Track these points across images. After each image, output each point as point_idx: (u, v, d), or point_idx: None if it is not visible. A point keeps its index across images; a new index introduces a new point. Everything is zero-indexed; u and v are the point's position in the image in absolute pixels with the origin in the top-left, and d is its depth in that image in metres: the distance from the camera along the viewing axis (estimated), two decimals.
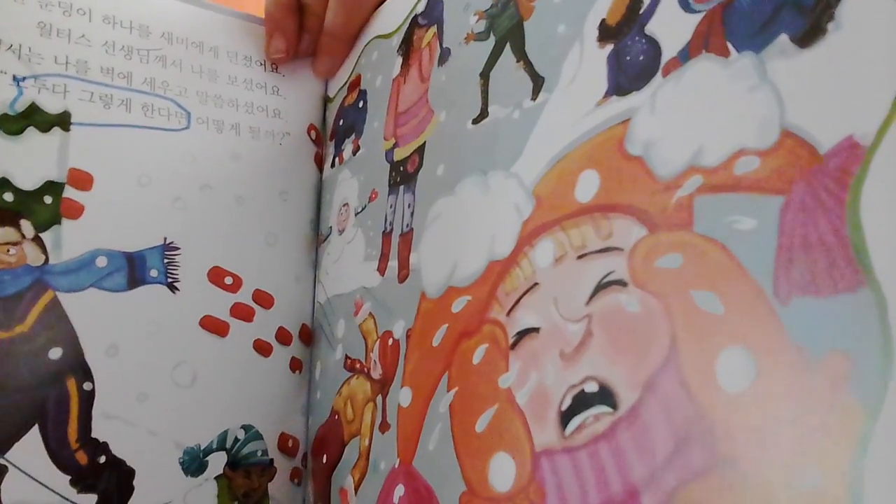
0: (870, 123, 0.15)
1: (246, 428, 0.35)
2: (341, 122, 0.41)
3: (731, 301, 0.17)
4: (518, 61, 0.26)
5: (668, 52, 0.20)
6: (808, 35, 0.17)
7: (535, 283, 0.23)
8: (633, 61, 0.21)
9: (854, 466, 0.14)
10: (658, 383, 0.18)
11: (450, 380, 0.26)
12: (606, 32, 0.23)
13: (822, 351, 0.15)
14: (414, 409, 0.27)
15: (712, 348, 0.17)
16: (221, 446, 0.34)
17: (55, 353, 0.31)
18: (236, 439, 0.35)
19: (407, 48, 0.35)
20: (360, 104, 0.38)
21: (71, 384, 0.31)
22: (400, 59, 0.35)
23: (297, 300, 0.39)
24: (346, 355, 0.34)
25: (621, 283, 0.20)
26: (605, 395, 0.19)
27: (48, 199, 0.32)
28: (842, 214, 0.15)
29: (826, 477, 0.14)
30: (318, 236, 0.41)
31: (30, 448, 0.30)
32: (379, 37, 0.38)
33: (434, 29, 0.33)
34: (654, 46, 0.21)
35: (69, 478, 0.30)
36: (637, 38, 0.21)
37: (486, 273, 0.25)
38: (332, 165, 0.41)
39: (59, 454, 0.30)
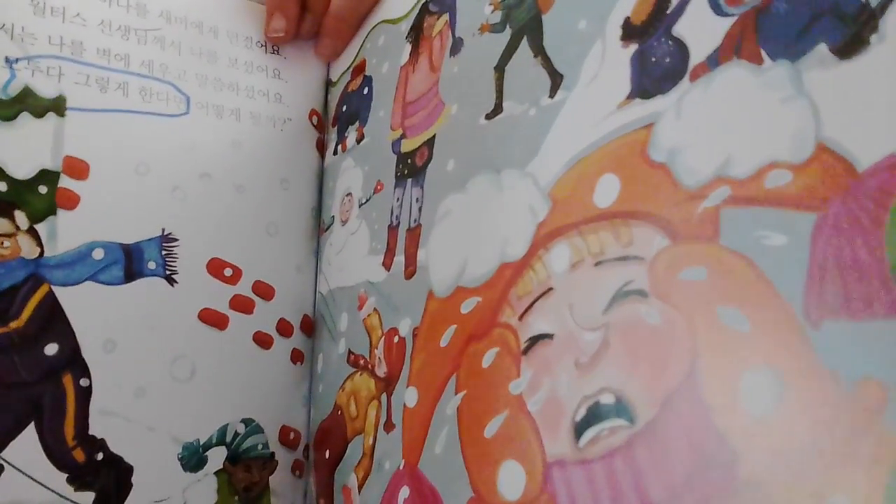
0: None
1: (246, 422, 0.35)
2: (344, 108, 0.40)
3: (758, 319, 0.16)
4: (535, 56, 0.25)
5: (697, 55, 0.19)
6: (849, 46, 0.16)
7: (550, 288, 0.22)
8: (658, 63, 0.20)
9: (888, 499, 0.13)
10: (678, 400, 0.17)
11: (458, 382, 0.25)
12: (631, 31, 0.22)
13: (854, 377, 0.14)
14: (420, 410, 0.27)
15: (736, 367, 0.16)
16: (221, 441, 0.34)
17: (51, 349, 0.30)
18: (236, 433, 0.34)
19: (416, 35, 0.34)
20: (365, 90, 0.37)
21: (67, 380, 0.30)
22: (409, 47, 0.34)
23: (299, 291, 0.38)
24: (349, 350, 0.33)
25: (641, 294, 0.19)
26: (622, 409, 0.19)
27: (43, 189, 0.31)
28: (880, 236, 0.14)
29: None
30: (319, 225, 0.40)
31: (26, 446, 0.29)
32: (386, 21, 0.37)
33: (446, 17, 0.32)
34: (681, 49, 0.20)
35: (66, 475, 0.30)
36: (663, 39, 0.20)
37: (498, 275, 0.24)
38: (335, 153, 0.40)
39: (55, 452, 0.30)
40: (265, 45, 0.40)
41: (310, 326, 0.38)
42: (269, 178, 0.38)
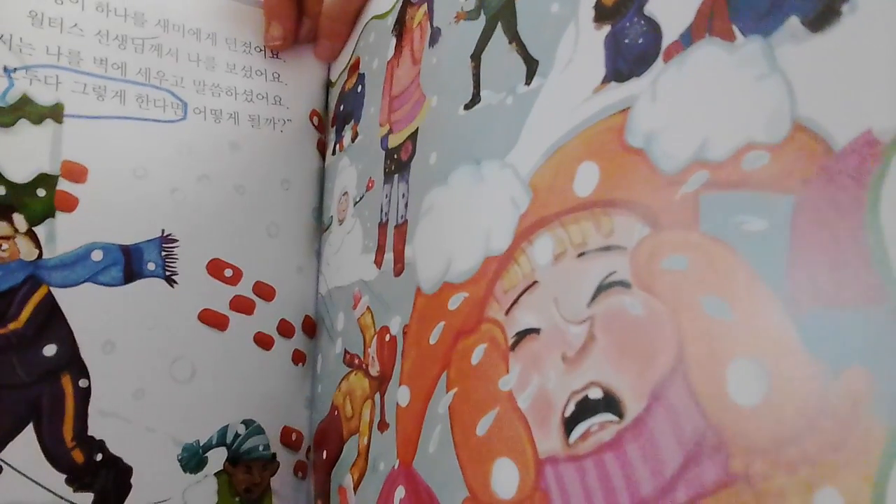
0: (890, 118, 0.13)
1: (247, 423, 0.35)
2: (342, 108, 0.40)
3: (741, 308, 0.16)
4: (510, 42, 0.25)
5: (670, 35, 0.19)
6: (821, 18, 0.15)
7: (535, 282, 0.22)
8: (631, 44, 0.20)
9: (875, 489, 0.13)
10: (665, 392, 0.17)
11: (448, 380, 0.25)
12: (603, 12, 0.21)
13: (840, 366, 0.14)
14: (413, 409, 0.26)
15: (722, 358, 0.16)
16: (221, 442, 0.34)
17: (50, 350, 0.31)
18: (237, 434, 0.34)
19: (400, 28, 0.34)
20: (359, 88, 0.37)
21: (66, 381, 0.31)
22: (393, 41, 0.34)
23: (300, 291, 0.38)
24: (346, 350, 0.33)
25: (624, 285, 0.18)
26: (610, 403, 0.18)
27: (41, 192, 0.32)
28: (860, 218, 0.14)
29: (846, 498, 0.13)
30: (320, 225, 0.40)
31: (24, 447, 0.29)
32: (375, 17, 0.37)
33: (425, 7, 0.31)
34: (654, 29, 0.19)
35: (65, 476, 0.30)
36: (636, 19, 0.20)
37: (483, 269, 0.24)
38: (334, 152, 0.40)
39: (54, 453, 0.30)
40: (264, 50, 0.40)
41: (312, 327, 0.38)
42: (269, 179, 0.38)
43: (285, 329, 0.37)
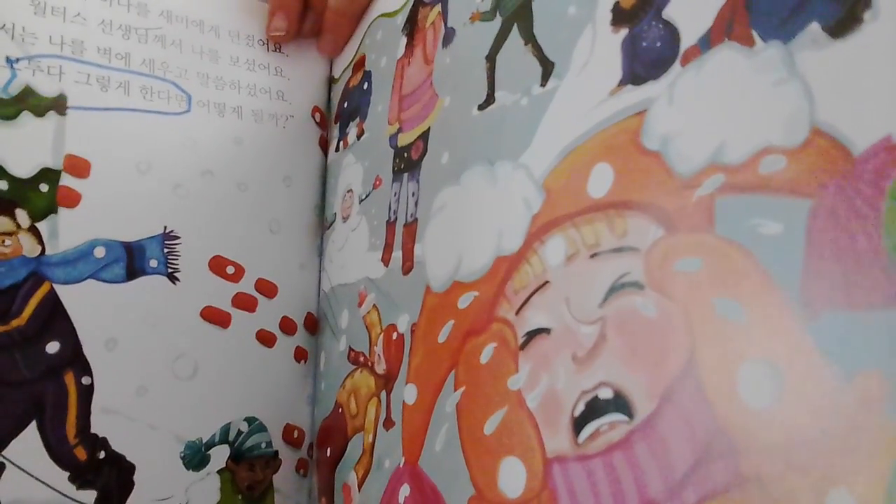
0: None
1: (249, 420, 0.34)
2: (346, 105, 0.39)
3: (755, 310, 0.16)
4: (526, 44, 0.25)
5: (688, 39, 0.19)
6: (842, 24, 0.15)
7: (546, 282, 0.22)
8: (649, 48, 0.20)
9: (889, 491, 0.13)
10: (676, 393, 0.17)
11: (457, 378, 0.25)
12: (620, 16, 0.21)
13: (854, 369, 0.14)
14: (419, 408, 0.27)
15: (734, 360, 0.16)
16: (224, 439, 0.34)
17: (53, 347, 0.30)
18: (239, 432, 0.34)
19: (411, 28, 0.33)
20: (365, 86, 0.37)
21: (69, 378, 0.30)
22: (404, 40, 0.34)
23: (302, 289, 0.38)
24: (350, 347, 0.33)
25: (637, 286, 0.19)
26: (620, 403, 0.18)
27: (44, 187, 0.31)
28: (878, 223, 0.14)
29: (858, 501, 0.13)
30: (323, 222, 0.40)
31: (28, 444, 0.29)
32: (383, 15, 0.37)
33: (438, 7, 0.31)
34: (672, 32, 0.19)
35: (68, 474, 0.30)
36: (654, 22, 0.20)
37: (494, 269, 0.24)
38: (337, 149, 0.39)
39: (57, 450, 0.30)
40: (267, 44, 0.40)
41: (314, 324, 0.38)
42: (271, 176, 0.38)
43: (287, 326, 0.37)
